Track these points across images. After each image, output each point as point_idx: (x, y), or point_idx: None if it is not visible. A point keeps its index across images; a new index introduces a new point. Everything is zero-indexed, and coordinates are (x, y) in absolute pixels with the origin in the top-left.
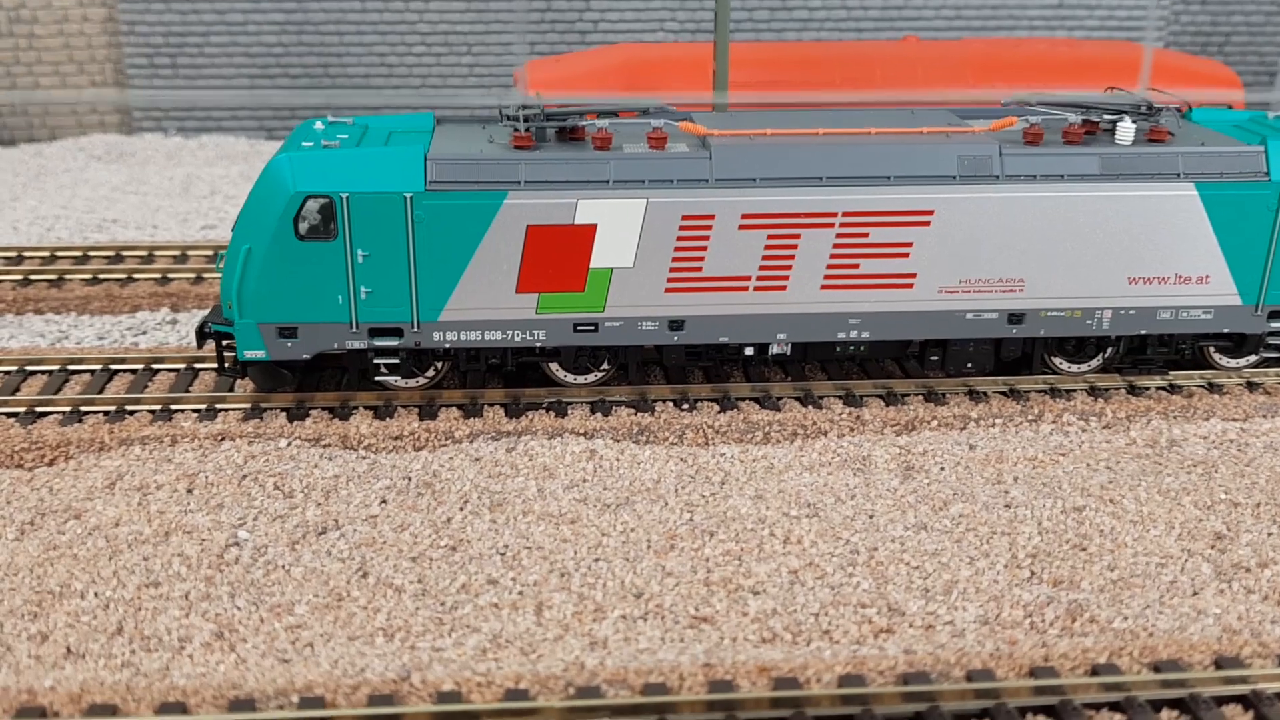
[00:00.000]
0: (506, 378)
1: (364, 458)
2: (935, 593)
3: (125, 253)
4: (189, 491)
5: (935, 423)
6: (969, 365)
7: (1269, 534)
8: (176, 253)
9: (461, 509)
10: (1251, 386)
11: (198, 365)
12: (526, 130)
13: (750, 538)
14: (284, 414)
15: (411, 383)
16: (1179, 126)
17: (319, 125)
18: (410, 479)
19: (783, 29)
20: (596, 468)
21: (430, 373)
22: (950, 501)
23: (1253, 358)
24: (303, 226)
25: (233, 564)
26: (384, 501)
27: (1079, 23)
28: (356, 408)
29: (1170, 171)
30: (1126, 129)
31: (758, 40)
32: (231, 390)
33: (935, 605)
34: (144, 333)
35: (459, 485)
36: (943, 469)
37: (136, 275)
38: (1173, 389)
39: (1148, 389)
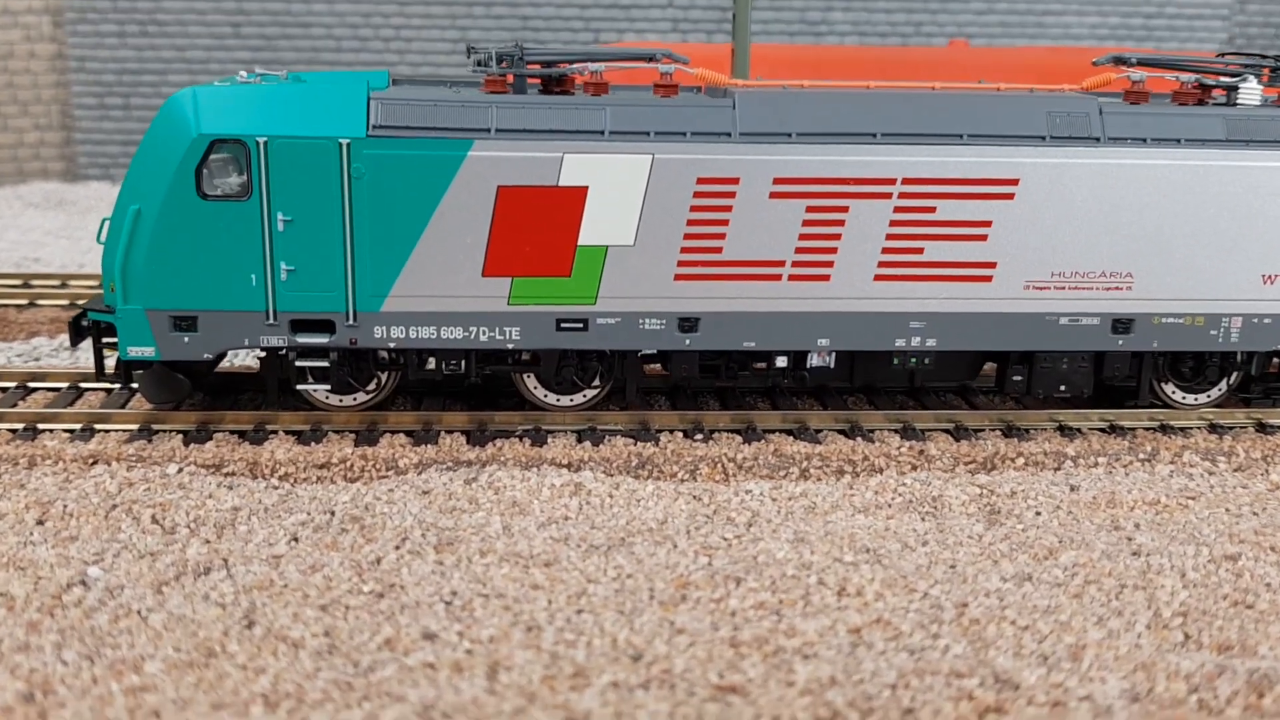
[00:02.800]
0: (470, 397)
1: (275, 488)
2: (1058, 659)
3: (36, 281)
4: (39, 522)
5: (1021, 460)
6: (1061, 388)
7: None
8: (94, 283)
9: (398, 548)
10: None
11: (84, 384)
12: (501, 75)
13: (792, 587)
14: (180, 436)
15: (347, 400)
16: None
17: (242, 74)
18: (334, 513)
19: (813, 33)
20: (583, 504)
21: (371, 387)
22: (1058, 549)
23: None
24: (208, 181)
25: (71, 607)
26: (295, 539)
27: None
28: (275, 431)
29: None
30: (1252, 90)
31: (786, 42)
32: (124, 408)
33: (1060, 675)
34: (36, 359)
35: (398, 520)
36: (1039, 513)
37: (40, 301)
38: None
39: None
